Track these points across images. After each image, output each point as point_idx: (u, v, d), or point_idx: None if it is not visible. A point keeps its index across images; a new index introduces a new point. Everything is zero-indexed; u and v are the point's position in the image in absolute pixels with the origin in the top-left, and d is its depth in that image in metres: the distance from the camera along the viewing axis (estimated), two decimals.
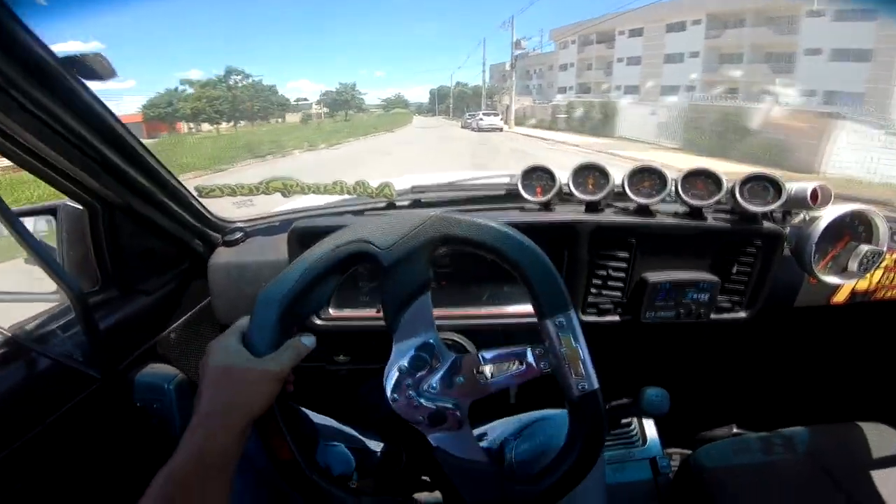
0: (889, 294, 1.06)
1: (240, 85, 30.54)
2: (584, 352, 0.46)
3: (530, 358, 0.48)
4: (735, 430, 1.29)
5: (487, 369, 0.49)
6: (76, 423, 0.67)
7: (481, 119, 22.42)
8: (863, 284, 1.02)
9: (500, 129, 21.47)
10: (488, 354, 0.50)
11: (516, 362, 0.49)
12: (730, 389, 1.32)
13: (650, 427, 1.18)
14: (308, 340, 0.49)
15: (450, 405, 0.49)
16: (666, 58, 20.26)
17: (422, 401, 0.49)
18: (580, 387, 0.46)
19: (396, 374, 0.49)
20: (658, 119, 14.34)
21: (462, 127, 24.85)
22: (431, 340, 0.49)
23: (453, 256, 0.90)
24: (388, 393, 0.49)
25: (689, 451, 1.21)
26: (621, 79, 22.93)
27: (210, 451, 0.40)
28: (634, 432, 1.17)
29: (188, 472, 0.39)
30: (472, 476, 0.49)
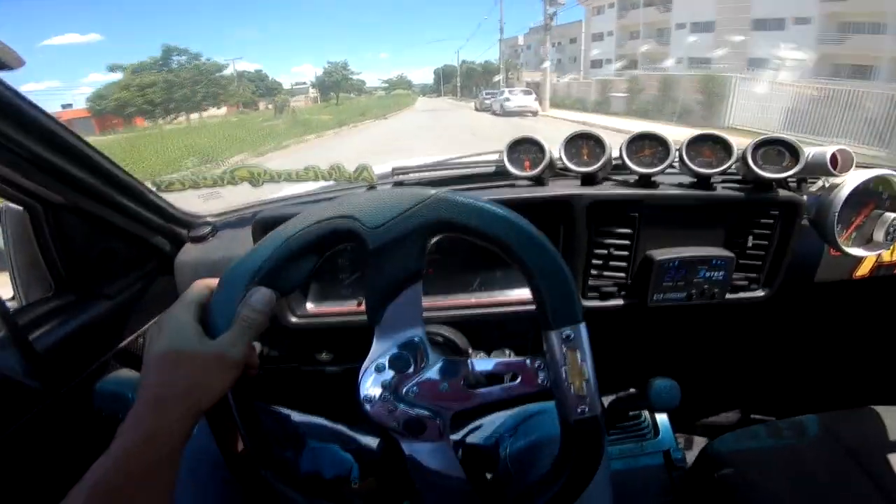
0: None
1: (185, 67, 23.09)
2: (589, 371, 0.40)
3: (528, 371, 0.42)
4: (751, 417, 1.22)
5: (478, 377, 0.44)
6: (31, 440, 0.61)
7: (507, 98, 16.17)
8: (887, 255, 0.95)
9: (535, 113, 15.41)
10: (480, 364, 0.44)
11: (510, 375, 0.43)
12: (745, 373, 1.25)
13: (662, 417, 1.11)
14: (258, 300, 0.40)
15: (430, 413, 0.43)
16: (755, 24, 14.31)
17: (400, 406, 0.43)
18: (580, 410, 0.40)
19: (374, 373, 0.44)
20: (792, 105, 9.04)
21: (478, 109, 19.30)
22: (417, 338, 0.44)
23: (440, 239, 0.83)
24: (361, 394, 0.44)
25: (703, 438, 1.15)
26: (683, 49, 16.05)
27: (159, 439, 0.36)
28: (645, 424, 1.10)
29: (135, 462, 0.35)
30: (444, 494, 0.45)
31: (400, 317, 0.43)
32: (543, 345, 0.41)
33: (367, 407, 0.44)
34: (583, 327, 0.40)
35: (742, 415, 1.23)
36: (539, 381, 0.42)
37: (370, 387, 0.44)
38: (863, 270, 0.95)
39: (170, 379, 0.38)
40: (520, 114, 15.44)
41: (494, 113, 16.26)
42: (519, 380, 0.43)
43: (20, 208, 0.67)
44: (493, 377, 0.44)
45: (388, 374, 0.44)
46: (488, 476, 0.70)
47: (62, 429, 0.67)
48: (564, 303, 0.40)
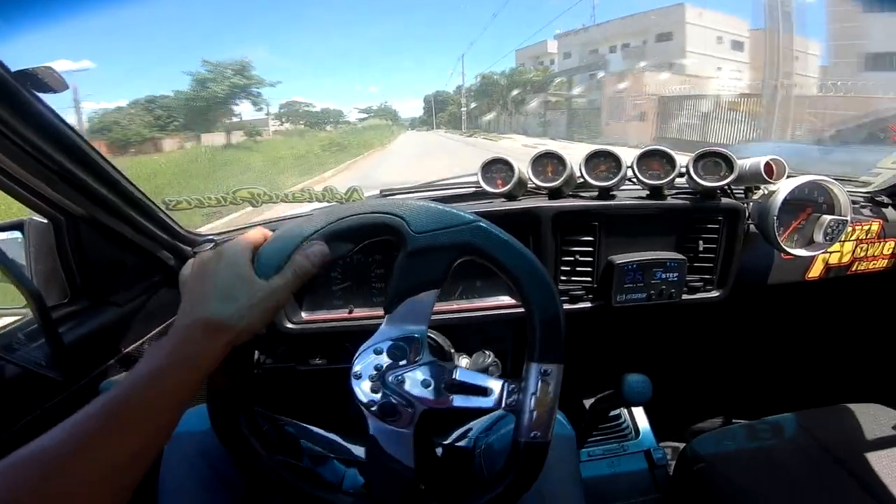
0: (865, 267, 1.06)
1: None
2: (554, 407, 0.45)
3: (498, 393, 0.47)
4: (727, 420, 1.26)
5: (457, 384, 0.48)
6: (44, 429, 0.67)
7: None
8: (836, 258, 1.03)
9: None
10: (463, 375, 0.48)
11: (483, 392, 0.48)
12: (719, 377, 1.30)
13: (642, 419, 1.15)
14: (314, 251, 0.45)
15: (405, 403, 0.47)
16: None
17: (382, 389, 0.47)
18: (533, 434, 0.44)
19: (371, 354, 0.48)
20: None
21: None
22: (418, 335, 0.48)
23: None
24: (353, 367, 0.48)
25: (682, 442, 1.19)
26: None
27: (205, 361, 0.40)
28: (625, 425, 1.14)
29: (169, 381, 0.38)
30: (390, 477, 0.47)
31: (411, 313, 0.47)
32: (523, 372, 0.46)
33: (354, 381, 0.48)
34: (560, 368, 0.45)
35: (719, 417, 1.27)
36: (507, 403, 0.46)
37: (363, 364, 0.48)
38: (814, 273, 1.02)
39: (226, 305, 0.41)
40: None
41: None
42: (491, 396, 0.47)
43: (44, 220, 0.75)
44: (470, 388, 0.48)
45: (384, 358, 0.47)
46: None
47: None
48: (552, 343, 0.45)
